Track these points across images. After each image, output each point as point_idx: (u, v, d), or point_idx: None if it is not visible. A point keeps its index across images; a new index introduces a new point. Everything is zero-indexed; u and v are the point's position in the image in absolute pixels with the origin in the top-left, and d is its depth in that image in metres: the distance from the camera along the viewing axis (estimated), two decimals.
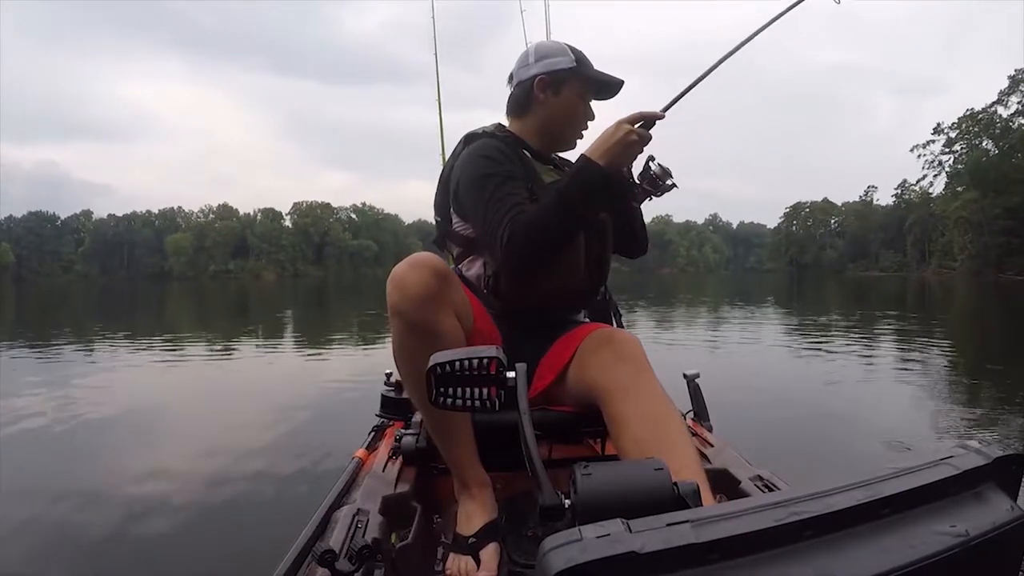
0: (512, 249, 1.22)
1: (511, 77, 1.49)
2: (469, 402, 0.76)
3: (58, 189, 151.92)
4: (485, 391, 0.75)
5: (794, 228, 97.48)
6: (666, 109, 1.29)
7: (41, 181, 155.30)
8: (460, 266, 1.44)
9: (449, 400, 0.76)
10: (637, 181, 1.33)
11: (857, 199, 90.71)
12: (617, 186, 1.29)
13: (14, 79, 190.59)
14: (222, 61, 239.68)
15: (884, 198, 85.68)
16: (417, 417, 1.53)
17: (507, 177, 1.30)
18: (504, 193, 1.27)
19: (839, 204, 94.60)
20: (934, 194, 63.46)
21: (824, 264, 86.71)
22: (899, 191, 77.15)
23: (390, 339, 1.18)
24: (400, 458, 1.43)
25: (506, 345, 1.17)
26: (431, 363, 0.75)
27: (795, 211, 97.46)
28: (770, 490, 1.27)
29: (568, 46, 1.45)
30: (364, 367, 5.90)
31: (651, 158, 1.30)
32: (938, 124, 59.02)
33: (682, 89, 1.33)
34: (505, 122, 1.51)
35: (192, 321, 14.54)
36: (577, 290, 1.42)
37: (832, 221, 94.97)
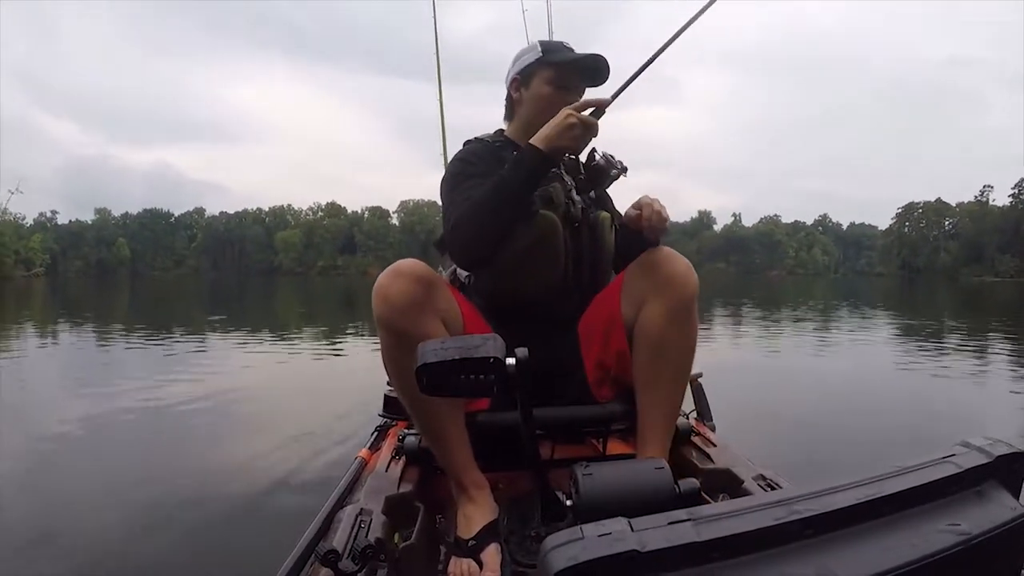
0: (457, 233, 1.28)
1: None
2: (463, 389, 0.76)
3: (172, 188, 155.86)
4: (480, 377, 0.75)
5: (906, 230, 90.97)
6: (614, 97, 1.30)
7: (155, 180, 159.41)
8: (456, 266, 1.47)
9: (438, 391, 0.76)
10: (583, 173, 1.41)
11: (972, 199, 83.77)
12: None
13: (130, 86, 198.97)
14: (329, 64, 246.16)
15: (1001, 198, 78.90)
16: None
17: (473, 176, 1.34)
18: (464, 188, 1.33)
19: (953, 204, 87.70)
20: None
21: (937, 268, 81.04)
22: (1016, 191, 71.29)
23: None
24: (403, 458, 1.43)
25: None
26: (419, 361, 0.75)
27: (907, 212, 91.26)
28: (773, 489, 1.27)
29: (542, 41, 1.48)
30: None
31: (594, 150, 1.37)
32: None
33: (629, 76, 1.32)
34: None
35: (297, 316, 14.43)
36: (560, 287, 1.40)
37: (946, 223, 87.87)
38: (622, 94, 1.30)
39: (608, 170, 1.40)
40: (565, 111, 1.23)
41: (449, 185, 1.37)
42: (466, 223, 1.27)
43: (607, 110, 1.27)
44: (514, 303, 1.38)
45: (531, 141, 1.25)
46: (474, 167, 1.37)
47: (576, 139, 1.24)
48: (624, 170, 1.42)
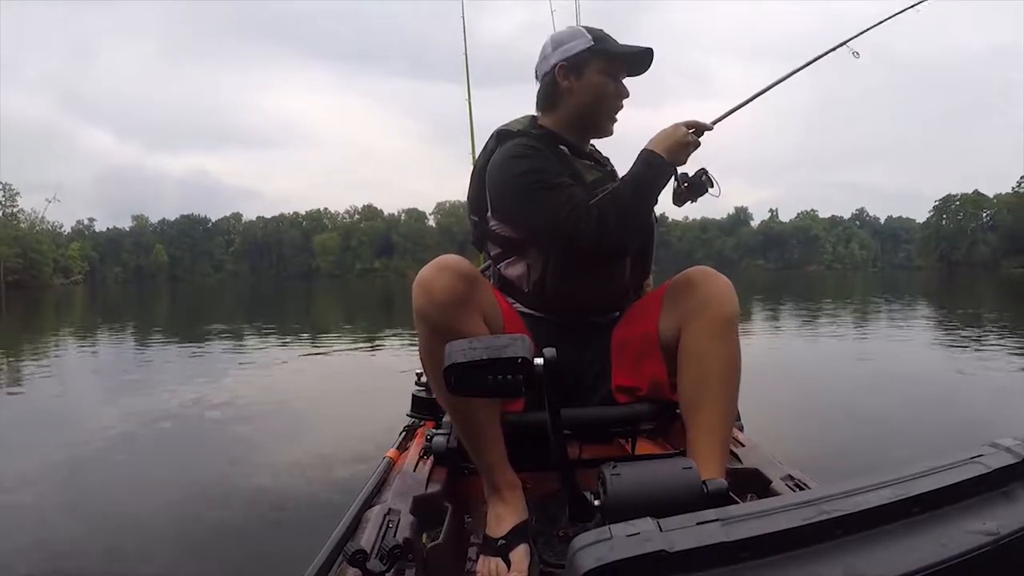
0: (602, 229, 1.25)
1: (536, 73, 1.47)
2: (490, 389, 0.76)
3: (208, 194, 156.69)
4: (508, 377, 0.75)
5: (944, 222, 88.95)
6: (715, 123, 1.41)
7: (191, 187, 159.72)
8: (499, 266, 1.44)
9: (466, 390, 0.77)
10: (680, 183, 1.41)
11: (1010, 190, 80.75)
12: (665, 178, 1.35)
13: (163, 92, 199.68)
14: (364, 70, 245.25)
15: None
16: (448, 417, 1.55)
17: (554, 172, 1.32)
18: (560, 184, 1.30)
19: (991, 196, 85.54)
20: None
21: (975, 260, 78.98)
22: None
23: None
24: (431, 458, 1.44)
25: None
26: (447, 361, 0.75)
27: (945, 204, 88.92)
28: (801, 489, 1.25)
29: (585, 28, 1.44)
30: None
31: (704, 169, 1.42)
32: None
33: (732, 107, 1.47)
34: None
35: (337, 320, 14.86)
36: (621, 286, 1.43)
37: (984, 214, 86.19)
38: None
39: (706, 188, 1.42)
40: (682, 128, 1.33)
41: (534, 184, 1.30)
42: (613, 219, 1.26)
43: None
44: (572, 306, 1.38)
45: (652, 150, 1.31)
46: (545, 163, 1.33)
47: (688, 154, 1.35)
48: (718, 191, 1.45)
